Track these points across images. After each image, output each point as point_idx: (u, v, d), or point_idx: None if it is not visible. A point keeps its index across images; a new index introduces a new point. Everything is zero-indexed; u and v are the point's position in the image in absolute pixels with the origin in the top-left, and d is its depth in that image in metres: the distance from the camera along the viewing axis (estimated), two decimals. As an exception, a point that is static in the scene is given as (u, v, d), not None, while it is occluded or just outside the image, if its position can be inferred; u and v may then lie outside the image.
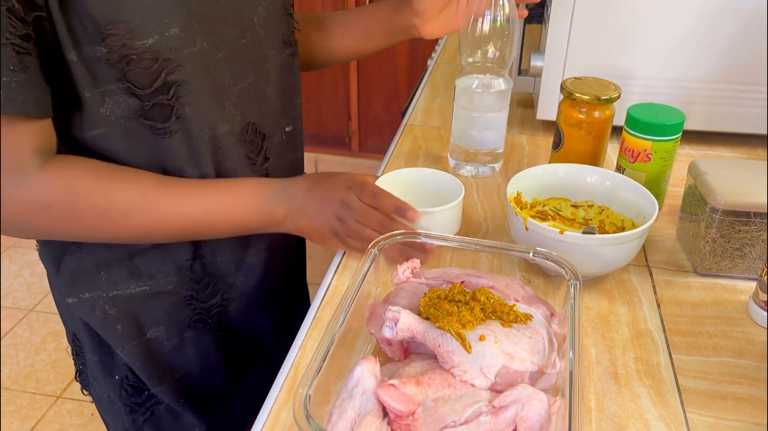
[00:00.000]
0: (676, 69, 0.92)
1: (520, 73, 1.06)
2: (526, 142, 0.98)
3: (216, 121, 0.63)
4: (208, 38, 0.60)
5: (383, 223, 0.64)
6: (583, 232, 0.61)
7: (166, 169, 0.63)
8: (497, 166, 0.89)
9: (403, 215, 0.64)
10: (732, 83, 0.92)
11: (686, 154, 0.94)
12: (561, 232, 0.62)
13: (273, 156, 0.73)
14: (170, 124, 0.60)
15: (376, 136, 2.74)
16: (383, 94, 2.61)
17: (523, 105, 1.10)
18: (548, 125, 1.02)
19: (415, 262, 0.61)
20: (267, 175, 0.73)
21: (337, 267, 0.70)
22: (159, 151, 0.62)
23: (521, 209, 0.72)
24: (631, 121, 0.74)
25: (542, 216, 0.74)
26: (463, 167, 0.89)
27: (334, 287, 0.67)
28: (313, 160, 2.86)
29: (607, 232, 0.72)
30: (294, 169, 0.79)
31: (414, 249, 0.62)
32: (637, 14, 0.89)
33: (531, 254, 0.59)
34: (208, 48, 0.60)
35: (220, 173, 0.67)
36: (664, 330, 0.61)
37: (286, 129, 0.74)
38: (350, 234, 0.65)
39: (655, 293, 0.66)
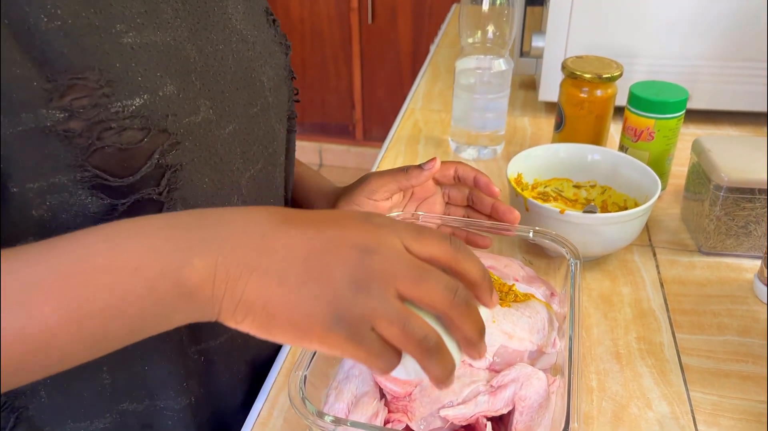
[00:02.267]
0: (679, 47, 0.90)
1: (522, 54, 1.04)
2: (529, 124, 0.97)
3: None
4: (214, 104, 0.44)
5: (462, 302, 0.35)
6: (584, 211, 0.60)
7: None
8: (499, 148, 0.88)
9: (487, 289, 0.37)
10: (736, 60, 0.90)
11: (691, 134, 0.93)
12: (561, 212, 0.61)
13: None
14: None
15: (380, 125, 2.73)
16: (387, 82, 2.59)
17: (526, 87, 1.09)
18: (551, 107, 1.01)
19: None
20: None
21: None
22: None
23: (522, 190, 0.71)
24: (634, 99, 0.73)
25: (544, 197, 0.74)
26: (464, 150, 0.88)
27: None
28: (316, 150, 2.85)
29: (610, 212, 0.71)
30: None
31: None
32: (640, -9, 0.87)
33: (531, 234, 0.58)
34: (214, 118, 0.44)
35: None
36: (668, 310, 0.60)
37: None
38: (379, 324, 0.33)
39: (659, 273, 0.65)
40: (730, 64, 0.91)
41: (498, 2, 0.78)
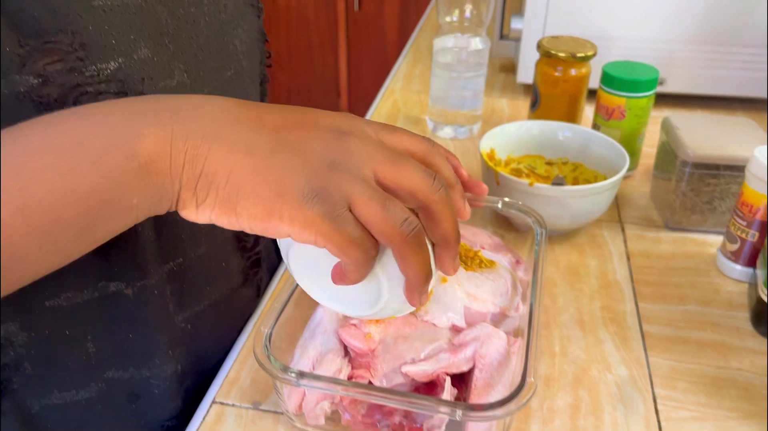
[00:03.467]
0: (654, 30, 0.92)
1: (501, 37, 1.05)
2: (507, 105, 0.98)
3: None
4: (188, 68, 0.43)
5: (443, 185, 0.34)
6: (552, 184, 0.62)
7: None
8: (475, 127, 0.89)
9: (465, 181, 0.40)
10: (711, 44, 0.91)
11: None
12: (531, 184, 0.62)
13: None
14: None
15: (366, 113, 2.73)
16: (373, 70, 2.59)
17: (505, 70, 1.10)
18: (529, 89, 1.02)
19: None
20: (259, 262, 0.56)
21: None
22: None
23: (495, 165, 0.72)
24: (606, 77, 0.74)
25: (516, 173, 0.74)
26: (441, 129, 0.89)
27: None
28: (303, 137, 2.85)
29: (581, 189, 0.72)
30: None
31: None
32: (617, -26, 0.88)
33: (500, 204, 0.59)
34: (188, 82, 0.43)
35: (205, 260, 0.48)
36: (632, 281, 0.62)
37: None
38: (357, 202, 0.32)
39: (626, 246, 0.67)
40: (704, 48, 0.92)
41: (475, -19, 0.79)
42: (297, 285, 0.47)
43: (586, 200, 0.63)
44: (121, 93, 0.37)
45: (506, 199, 0.59)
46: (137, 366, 0.47)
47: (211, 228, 0.47)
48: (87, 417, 0.46)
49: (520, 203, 0.58)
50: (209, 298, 0.51)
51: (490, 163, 0.66)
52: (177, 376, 0.49)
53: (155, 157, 0.30)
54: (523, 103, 0.99)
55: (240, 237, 0.54)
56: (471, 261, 0.51)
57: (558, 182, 0.68)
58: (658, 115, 0.95)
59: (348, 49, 2.57)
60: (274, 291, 0.61)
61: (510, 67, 1.10)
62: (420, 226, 0.33)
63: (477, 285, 0.49)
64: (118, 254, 0.42)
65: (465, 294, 0.48)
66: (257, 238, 0.56)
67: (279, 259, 0.69)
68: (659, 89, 0.96)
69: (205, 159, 0.31)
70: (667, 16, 0.90)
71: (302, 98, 2.74)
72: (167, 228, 0.45)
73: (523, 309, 0.51)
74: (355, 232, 0.31)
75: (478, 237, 0.56)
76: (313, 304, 0.49)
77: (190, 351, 0.50)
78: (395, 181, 0.32)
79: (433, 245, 0.36)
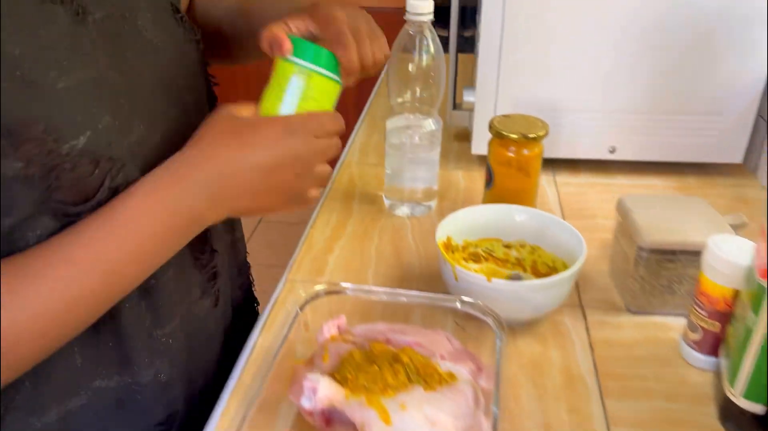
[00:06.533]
0: (603, 100, 0.93)
1: (455, 107, 1.05)
2: (462, 177, 0.98)
3: None
4: (143, 119, 0.50)
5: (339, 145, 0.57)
6: (510, 278, 0.60)
7: None
8: (432, 204, 0.88)
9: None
10: (659, 113, 0.93)
11: (619, 185, 0.95)
12: (488, 280, 0.60)
13: (217, 244, 0.63)
14: None
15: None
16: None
17: (459, 139, 1.10)
18: (483, 160, 1.01)
19: (341, 319, 0.58)
20: (215, 275, 0.63)
21: (265, 321, 0.67)
22: None
23: (453, 252, 0.71)
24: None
25: (475, 259, 0.73)
26: (398, 207, 0.87)
27: (259, 346, 0.64)
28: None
29: (540, 272, 0.71)
30: (235, 253, 0.71)
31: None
32: (563, 48, 0.90)
33: (458, 304, 0.57)
34: (146, 132, 0.50)
35: (162, 280, 0.54)
36: (597, 375, 0.60)
37: None
38: (313, 182, 0.55)
39: (588, 334, 0.65)
40: (653, 117, 0.94)
41: (425, 63, 0.79)
42: (248, 408, 0.49)
43: (546, 292, 0.62)
44: (93, 161, 0.44)
45: (464, 298, 0.57)
46: (120, 373, 0.53)
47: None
48: (82, 425, 0.51)
49: (480, 303, 0.56)
50: (179, 312, 0.57)
51: (448, 256, 0.65)
52: (160, 384, 0.55)
53: (203, 223, 0.51)
54: (479, 174, 0.98)
55: (196, 255, 0.59)
56: (430, 378, 0.49)
57: (516, 277, 0.67)
58: (611, 182, 0.95)
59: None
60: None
61: (464, 136, 1.10)
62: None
63: (438, 407, 0.46)
64: None
65: (425, 420, 0.45)
66: (212, 255, 0.62)
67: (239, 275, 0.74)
68: (610, 157, 0.97)
69: (229, 212, 0.52)
70: (615, 87, 0.92)
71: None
72: None
73: (486, 425, 0.48)
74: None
75: (437, 346, 0.54)
76: (268, 424, 0.46)
77: (173, 361, 0.57)
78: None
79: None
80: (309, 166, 0.53)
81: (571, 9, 0.87)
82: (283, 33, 0.55)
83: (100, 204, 0.45)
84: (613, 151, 0.96)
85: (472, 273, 0.61)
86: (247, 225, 1.57)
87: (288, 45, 0.55)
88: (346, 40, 0.56)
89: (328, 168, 0.56)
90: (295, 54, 0.55)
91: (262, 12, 0.67)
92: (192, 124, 0.55)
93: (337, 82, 0.57)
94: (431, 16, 0.77)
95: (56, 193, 0.43)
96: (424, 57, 0.78)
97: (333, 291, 0.59)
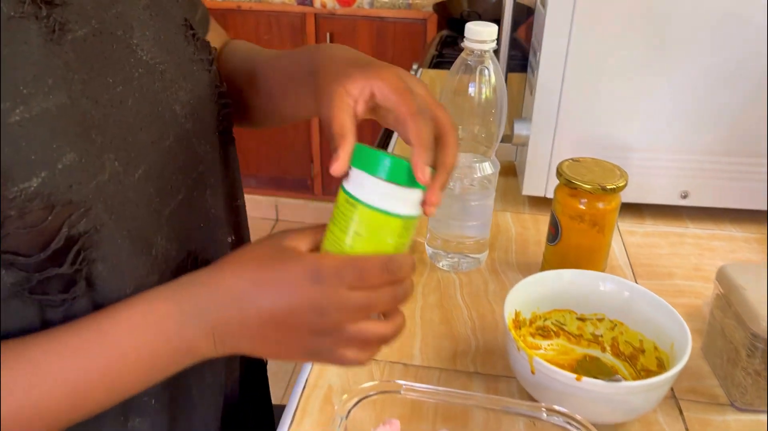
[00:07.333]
0: (676, 140, 0.81)
1: (501, 140, 0.94)
2: (512, 221, 0.86)
3: (142, 267, 0.44)
4: (119, 155, 0.42)
5: (397, 297, 0.43)
6: (609, 380, 0.49)
7: None
8: (482, 257, 0.77)
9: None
10: (737, 156, 0.81)
11: (693, 235, 0.83)
12: (578, 379, 0.49)
13: None
14: (74, 291, 0.41)
15: (340, 178, 2.61)
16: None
17: (505, 173, 0.98)
18: (535, 201, 0.90)
19: (394, 424, 0.47)
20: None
21: (294, 413, 0.55)
22: (49, 327, 0.41)
23: (519, 328, 0.59)
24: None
25: (544, 334, 0.62)
26: (442, 259, 0.76)
27: (290, 448, 0.52)
28: (272, 204, 2.71)
29: (623, 353, 0.60)
30: None
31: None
32: (631, 83, 0.78)
33: (544, 414, 0.46)
34: (121, 169, 0.42)
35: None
36: (710, 500, 0.49)
37: (228, 240, 0.58)
38: (343, 343, 0.42)
39: (689, 439, 0.54)
40: (730, 160, 0.82)
41: (484, 97, 0.67)
42: None
43: (648, 394, 0.50)
44: (47, 207, 0.37)
45: (553, 407, 0.45)
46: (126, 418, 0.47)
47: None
48: None
49: (577, 417, 0.45)
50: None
51: (522, 344, 0.53)
52: (163, 398, 0.49)
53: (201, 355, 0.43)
54: (531, 219, 0.87)
55: None
56: None
57: (615, 380, 0.55)
58: (682, 233, 0.84)
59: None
60: None
61: (510, 171, 0.99)
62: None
63: None
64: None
65: None
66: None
67: None
68: (682, 202, 0.85)
69: (234, 349, 0.43)
70: (688, 127, 0.80)
71: (272, 165, 2.61)
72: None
73: None
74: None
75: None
76: None
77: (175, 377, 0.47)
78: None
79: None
80: (333, 324, 0.41)
81: (643, 42, 0.76)
82: (349, 141, 0.43)
83: (57, 254, 0.39)
84: (685, 195, 0.85)
85: (556, 370, 0.49)
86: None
87: (344, 169, 0.42)
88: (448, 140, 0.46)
89: (373, 328, 0.42)
90: (357, 164, 0.42)
91: (266, 72, 0.59)
92: (192, 155, 0.50)
93: (409, 217, 0.43)
94: (494, 44, 0.66)
95: (3, 241, 0.37)
96: (484, 90, 0.67)
97: (385, 391, 0.47)
